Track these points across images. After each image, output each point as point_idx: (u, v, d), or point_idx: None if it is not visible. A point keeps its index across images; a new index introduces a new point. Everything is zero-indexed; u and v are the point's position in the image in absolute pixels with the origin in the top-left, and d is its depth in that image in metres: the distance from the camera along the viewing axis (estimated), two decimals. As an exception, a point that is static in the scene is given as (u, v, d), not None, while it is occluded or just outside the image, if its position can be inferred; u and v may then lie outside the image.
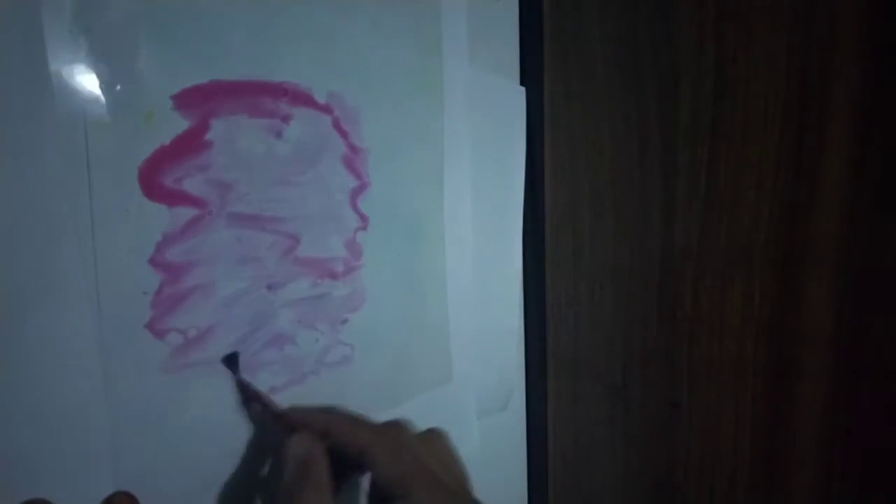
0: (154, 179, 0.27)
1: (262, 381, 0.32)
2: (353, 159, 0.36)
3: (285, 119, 0.32)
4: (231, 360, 0.31)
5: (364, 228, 0.37)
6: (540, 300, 0.53)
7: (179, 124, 0.28)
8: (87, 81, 0.25)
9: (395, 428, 0.31)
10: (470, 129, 0.44)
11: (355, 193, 0.36)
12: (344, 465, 0.29)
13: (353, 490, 0.33)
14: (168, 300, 0.28)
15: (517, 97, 0.50)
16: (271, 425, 0.31)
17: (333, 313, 0.36)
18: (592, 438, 0.53)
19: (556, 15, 0.50)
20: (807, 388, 0.42)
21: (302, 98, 0.33)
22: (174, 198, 0.28)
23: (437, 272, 0.43)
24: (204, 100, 0.28)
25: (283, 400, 0.33)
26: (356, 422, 0.31)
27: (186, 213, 0.28)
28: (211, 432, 0.31)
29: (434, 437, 0.32)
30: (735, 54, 0.42)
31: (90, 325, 0.26)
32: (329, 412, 0.31)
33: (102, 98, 0.25)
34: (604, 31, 0.47)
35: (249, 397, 0.32)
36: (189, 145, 0.28)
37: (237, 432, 0.32)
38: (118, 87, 0.26)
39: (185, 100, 0.28)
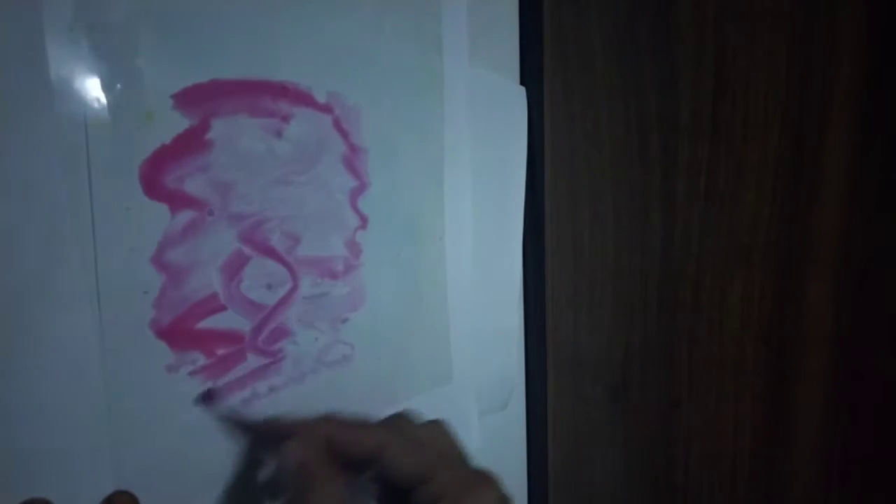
0: (155, 179, 0.27)
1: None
2: (352, 159, 0.36)
3: (285, 119, 0.32)
4: (207, 397, 0.30)
5: (364, 228, 0.37)
6: (540, 300, 0.53)
7: (180, 123, 0.28)
8: (88, 80, 0.25)
9: (402, 420, 0.31)
10: (470, 129, 0.45)
11: (355, 193, 0.36)
12: (349, 468, 0.28)
13: (360, 492, 0.32)
14: (169, 300, 0.28)
15: (517, 97, 0.50)
16: (270, 445, 0.30)
17: (333, 312, 0.36)
18: (592, 438, 0.53)
19: (556, 15, 0.50)
20: (807, 389, 0.42)
21: (302, 98, 0.33)
22: (175, 197, 0.28)
23: (437, 272, 0.43)
24: (204, 99, 0.28)
25: (283, 399, 0.33)
26: (360, 423, 0.30)
27: (187, 212, 0.28)
28: (211, 432, 0.31)
29: (436, 427, 0.32)
30: (735, 54, 0.42)
31: (90, 325, 0.26)
32: (328, 419, 0.30)
33: (103, 97, 0.25)
34: (604, 31, 0.47)
35: (239, 427, 0.30)
36: (190, 144, 0.28)
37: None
38: (118, 86, 0.26)
39: (186, 99, 0.28)
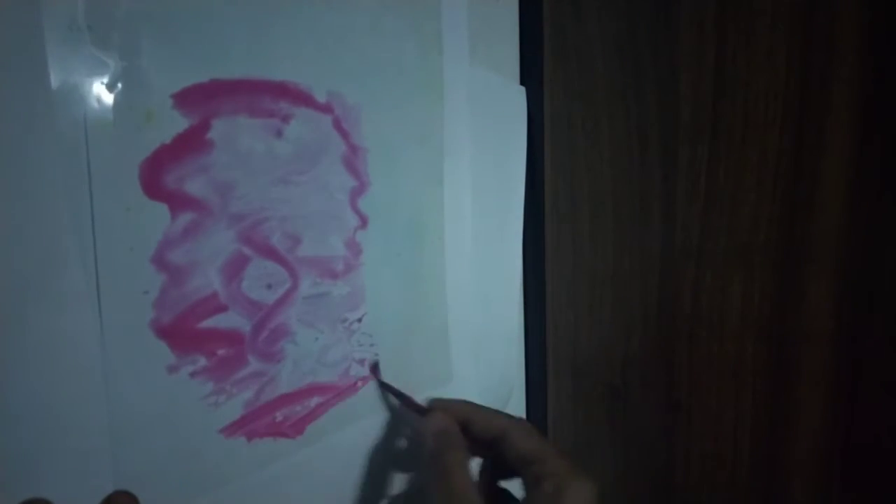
0: (155, 179, 0.27)
1: (262, 381, 0.32)
2: (352, 159, 0.36)
3: (285, 119, 0.32)
4: (374, 367, 0.38)
5: (364, 228, 0.37)
6: (540, 300, 0.53)
7: (180, 123, 0.28)
8: (88, 80, 0.25)
9: (521, 418, 0.36)
10: (470, 129, 0.44)
11: (355, 193, 0.36)
12: (475, 446, 0.35)
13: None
14: (170, 300, 0.28)
15: (517, 97, 0.50)
16: (413, 413, 0.37)
17: (333, 312, 0.36)
18: (592, 438, 0.53)
19: (556, 15, 0.50)
20: (807, 388, 0.42)
21: (302, 98, 0.33)
22: (175, 197, 0.28)
23: (437, 272, 0.43)
24: (205, 99, 0.28)
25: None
26: (491, 409, 0.36)
27: (187, 212, 0.28)
28: (211, 432, 0.31)
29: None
30: (735, 54, 0.42)
31: (90, 325, 0.26)
32: (467, 402, 0.37)
33: (103, 97, 0.25)
34: (604, 31, 0.47)
35: (393, 395, 0.38)
36: (190, 144, 0.28)
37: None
38: (119, 86, 0.26)
39: (186, 99, 0.28)
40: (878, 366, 0.40)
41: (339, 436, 0.37)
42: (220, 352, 0.30)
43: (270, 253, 0.32)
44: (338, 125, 0.35)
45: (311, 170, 0.33)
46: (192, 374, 0.29)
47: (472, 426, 0.35)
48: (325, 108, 0.34)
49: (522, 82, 0.51)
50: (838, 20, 0.38)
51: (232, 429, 0.31)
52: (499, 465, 0.36)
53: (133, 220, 0.26)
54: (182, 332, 0.29)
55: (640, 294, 0.49)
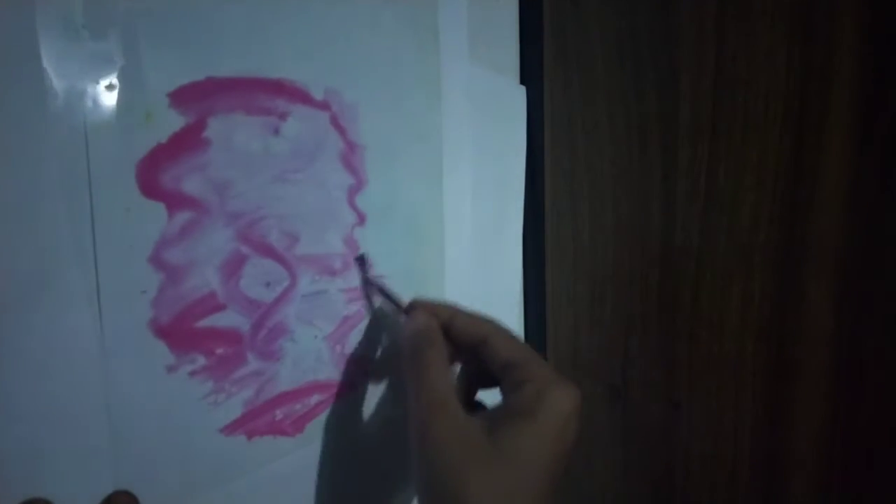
0: (152, 178, 0.27)
1: (261, 381, 0.32)
2: (350, 156, 0.36)
3: (282, 116, 0.32)
4: (361, 260, 0.37)
5: (362, 225, 0.37)
6: (540, 300, 0.53)
7: (177, 122, 0.28)
8: (87, 79, 0.25)
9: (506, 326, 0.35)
10: (470, 128, 0.45)
11: (353, 190, 0.36)
12: (457, 349, 0.34)
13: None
14: (168, 299, 0.28)
15: (517, 96, 0.50)
16: (397, 313, 0.36)
17: (332, 310, 0.36)
18: (592, 438, 0.53)
19: (556, 14, 0.50)
20: (807, 388, 0.42)
21: (299, 95, 0.33)
22: (172, 197, 0.28)
23: (436, 270, 0.43)
24: (201, 97, 0.28)
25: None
26: (475, 313, 0.35)
27: (185, 211, 0.28)
28: (211, 432, 0.31)
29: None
30: (735, 54, 0.42)
31: (90, 325, 0.26)
32: (451, 305, 0.35)
33: (102, 97, 0.25)
34: (604, 31, 0.47)
35: (377, 294, 0.37)
36: (187, 143, 0.28)
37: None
38: (116, 85, 0.26)
39: (182, 97, 0.28)
40: (878, 366, 0.40)
41: (340, 434, 0.37)
42: (219, 351, 0.30)
43: (268, 251, 0.32)
44: (335, 122, 0.35)
45: (308, 167, 0.33)
46: (192, 374, 0.29)
47: (454, 328, 0.34)
48: (323, 106, 0.34)
49: (522, 82, 0.51)
50: (838, 20, 0.38)
51: (232, 427, 0.31)
52: (479, 374, 0.35)
53: (133, 219, 0.27)
54: (181, 332, 0.29)
55: (640, 294, 0.48)
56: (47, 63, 0.24)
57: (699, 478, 0.48)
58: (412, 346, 0.32)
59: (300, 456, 0.35)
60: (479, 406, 0.36)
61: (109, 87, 0.26)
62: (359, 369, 0.38)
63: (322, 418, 0.36)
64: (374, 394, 0.39)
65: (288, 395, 0.34)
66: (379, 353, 0.39)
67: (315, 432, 0.36)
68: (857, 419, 0.41)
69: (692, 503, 0.48)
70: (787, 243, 0.42)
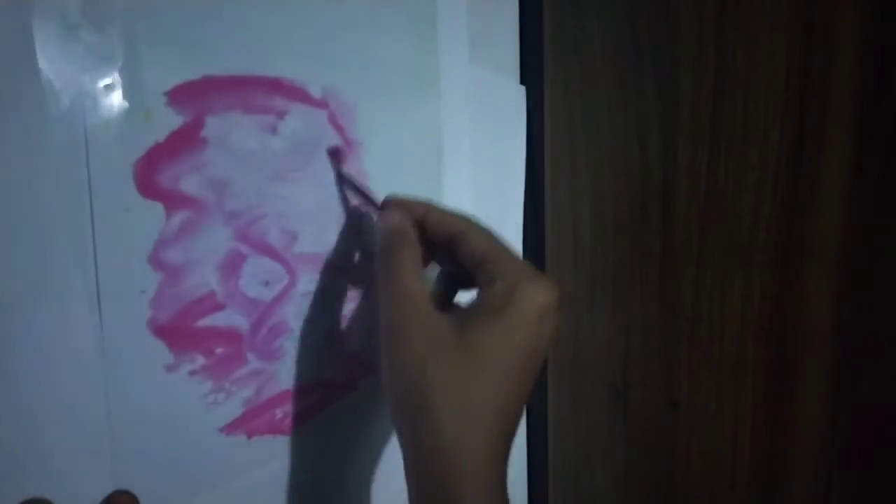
0: (150, 178, 0.27)
1: (261, 381, 0.32)
2: (348, 155, 0.36)
3: (280, 115, 0.32)
4: (335, 153, 0.34)
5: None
6: (540, 300, 0.53)
7: (174, 121, 0.28)
8: (82, 79, 0.25)
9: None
10: (469, 128, 0.45)
11: (352, 190, 0.36)
12: (431, 246, 0.33)
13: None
14: (167, 299, 0.28)
15: (517, 96, 0.50)
16: (371, 211, 0.35)
17: (331, 308, 0.36)
18: (592, 438, 0.53)
19: (556, 14, 0.50)
20: (807, 388, 0.42)
21: (297, 93, 0.33)
22: (170, 196, 0.28)
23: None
24: (198, 96, 0.28)
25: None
26: (451, 209, 0.34)
27: (183, 211, 0.28)
28: (211, 432, 0.31)
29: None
30: (735, 54, 0.42)
31: (90, 325, 0.26)
32: (425, 202, 0.34)
33: (98, 96, 0.25)
34: (604, 31, 0.47)
35: (349, 188, 0.35)
36: (184, 142, 0.28)
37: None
38: (114, 84, 0.26)
39: (179, 96, 0.28)
40: (878, 366, 0.40)
41: (340, 433, 0.37)
42: (219, 350, 0.30)
43: (267, 250, 0.32)
44: (333, 121, 0.35)
45: (306, 166, 0.33)
46: (191, 373, 0.29)
47: (428, 224, 0.33)
48: (321, 104, 0.34)
49: (522, 81, 0.51)
50: (838, 20, 0.38)
51: (232, 427, 0.31)
52: (458, 275, 0.34)
53: (132, 219, 0.27)
54: (180, 331, 0.29)
55: (640, 294, 0.48)
56: (44, 63, 0.24)
57: (699, 478, 0.48)
58: (384, 243, 0.32)
59: (300, 455, 0.35)
60: (458, 309, 0.34)
61: (108, 87, 0.26)
62: (359, 368, 0.38)
63: (322, 417, 0.36)
64: (375, 393, 0.39)
65: (288, 395, 0.34)
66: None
67: (315, 431, 0.36)
68: (857, 419, 0.41)
69: (692, 503, 0.48)
70: (787, 243, 0.42)
